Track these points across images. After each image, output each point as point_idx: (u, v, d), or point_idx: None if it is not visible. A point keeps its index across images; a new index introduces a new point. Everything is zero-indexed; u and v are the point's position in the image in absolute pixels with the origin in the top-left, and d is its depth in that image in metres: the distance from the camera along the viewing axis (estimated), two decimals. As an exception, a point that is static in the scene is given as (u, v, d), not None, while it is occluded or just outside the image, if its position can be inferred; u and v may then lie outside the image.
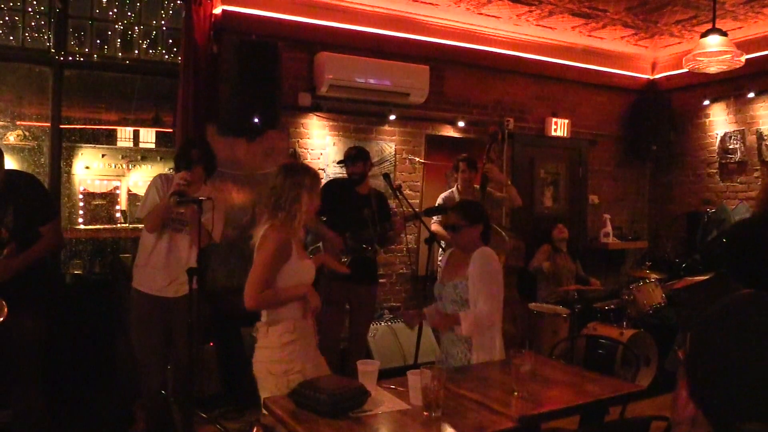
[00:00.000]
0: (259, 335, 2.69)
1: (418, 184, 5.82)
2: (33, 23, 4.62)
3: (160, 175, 3.65)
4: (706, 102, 6.64)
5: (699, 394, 0.85)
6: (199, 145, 3.74)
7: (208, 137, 4.77)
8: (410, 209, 4.51)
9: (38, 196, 3.20)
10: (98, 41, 4.84)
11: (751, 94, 6.20)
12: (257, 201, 4.96)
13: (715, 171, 6.65)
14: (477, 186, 4.89)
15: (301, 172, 2.74)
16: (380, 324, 5.25)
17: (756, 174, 6.23)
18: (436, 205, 4.83)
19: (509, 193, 4.94)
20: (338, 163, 4.64)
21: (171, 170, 4.10)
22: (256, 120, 4.69)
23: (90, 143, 5.66)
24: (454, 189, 5.04)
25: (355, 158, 4.34)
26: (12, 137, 4.80)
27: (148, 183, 3.65)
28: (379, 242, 4.31)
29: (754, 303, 0.87)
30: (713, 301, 0.93)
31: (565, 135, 6.62)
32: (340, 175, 4.81)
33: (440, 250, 4.35)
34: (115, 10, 4.85)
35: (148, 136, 6.70)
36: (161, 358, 3.55)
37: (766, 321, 0.84)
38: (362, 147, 4.61)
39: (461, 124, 5.97)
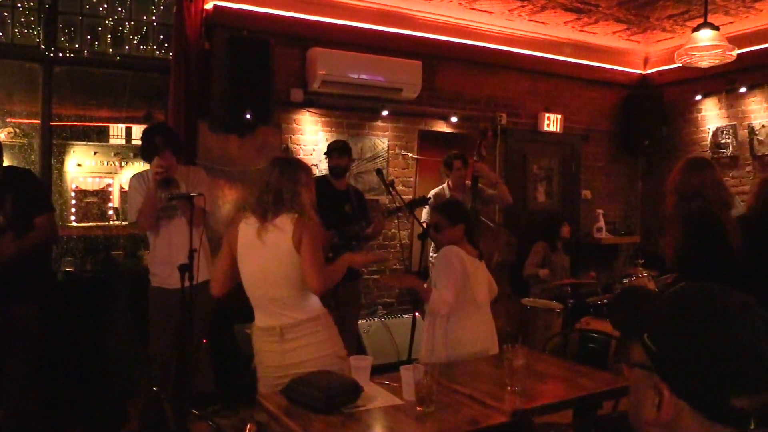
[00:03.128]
0: (304, 333, 2.55)
1: (411, 179, 5.81)
2: (22, 19, 4.58)
3: (134, 176, 3.67)
4: (698, 97, 6.65)
5: (684, 386, 0.87)
6: (161, 130, 3.67)
7: (200, 134, 4.77)
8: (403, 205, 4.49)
9: (35, 187, 3.39)
10: (89, 37, 4.80)
11: (743, 89, 6.21)
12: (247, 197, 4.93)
13: (707, 165, 6.66)
14: (468, 183, 4.87)
15: (295, 167, 2.67)
16: (374, 320, 5.26)
17: (748, 168, 6.26)
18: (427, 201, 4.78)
19: (500, 190, 4.90)
20: (324, 154, 4.62)
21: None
22: (249, 116, 4.68)
23: (81, 140, 5.60)
24: (444, 185, 4.99)
25: (342, 150, 4.35)
26: (2, 135, 4.75)
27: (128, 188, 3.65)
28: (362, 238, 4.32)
29: (705, 287, 0.92)
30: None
31: (558, 130, 6.63)
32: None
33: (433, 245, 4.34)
34: (106, 6, 4.82)
35: (140, 133, 6.65)
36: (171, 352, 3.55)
37: (725, 298, 0.89)
38: (345, 140, 4.62)
39: (454, 119, 5.97)
